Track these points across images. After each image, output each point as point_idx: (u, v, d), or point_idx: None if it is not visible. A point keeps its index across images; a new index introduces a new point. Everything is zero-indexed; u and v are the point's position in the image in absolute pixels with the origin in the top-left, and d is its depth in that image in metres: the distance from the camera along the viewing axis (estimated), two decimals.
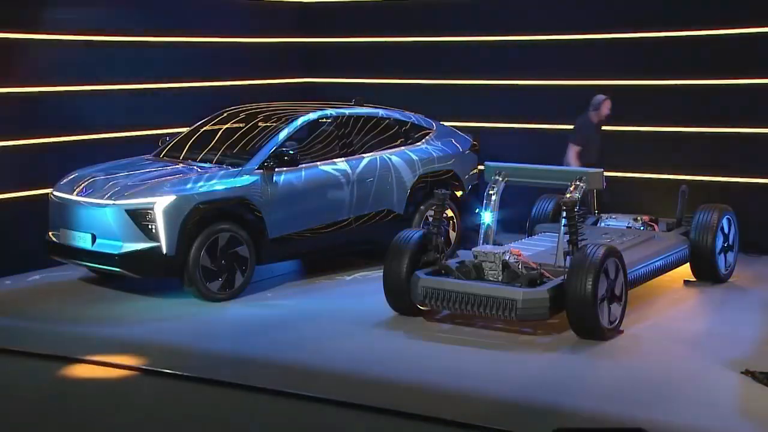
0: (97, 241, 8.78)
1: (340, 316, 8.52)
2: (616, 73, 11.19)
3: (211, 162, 9.42)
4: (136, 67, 11.03)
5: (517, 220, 10.28)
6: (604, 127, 10.65)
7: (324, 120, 10.04)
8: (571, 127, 10.70)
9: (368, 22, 12.80)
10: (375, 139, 10.25)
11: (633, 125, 11.22)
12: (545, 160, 9.69)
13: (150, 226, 8.61)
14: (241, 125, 9.94)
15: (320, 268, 10.12)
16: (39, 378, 7.14)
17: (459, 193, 10.66)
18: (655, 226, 9.77)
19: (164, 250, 8.60)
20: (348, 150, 9.96)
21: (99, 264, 9.00)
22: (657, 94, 11.10)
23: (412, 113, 10.82)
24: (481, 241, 8.59)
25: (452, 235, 10.45)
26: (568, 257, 7.89)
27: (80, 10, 10.48)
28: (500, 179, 8.80)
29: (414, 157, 10.41)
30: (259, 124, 9.88)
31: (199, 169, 9.24)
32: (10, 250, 9.74)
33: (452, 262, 8.34)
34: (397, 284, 8.26)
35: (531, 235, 9.70)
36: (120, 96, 10.85)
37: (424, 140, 10.63)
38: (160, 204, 8.61)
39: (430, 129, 10.81)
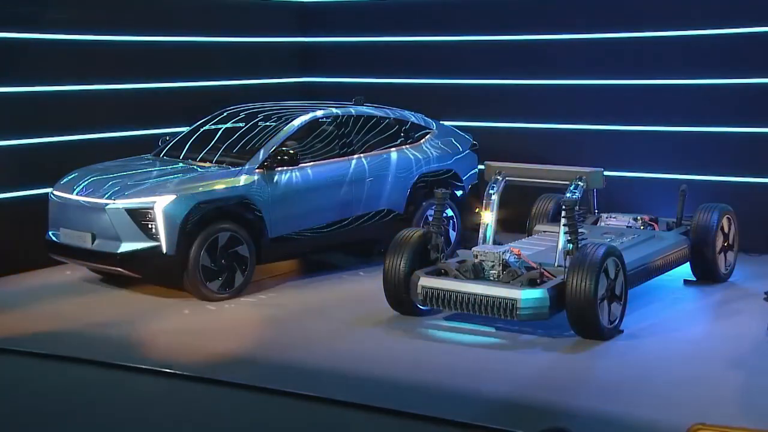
0: (97, 240, 8.78)
1: (339, 316, 8.51)
2: (616, 73, 11.19)
3: (211, 162, 9.42)
4: (136, 67, 11.03)
5: (517, 220, 10.27)
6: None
7: (324, 120, 10.04)
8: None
9: (368, 22, 12.79)
10: (375, 138, 10.25)
11: (633, 125, 11.22)
12: (545, 160, 9.69)
13: (150, 226, 8.61)
14: (241, 125, 9.95)
15: (320, 267, 10.13)
16: (39, 378, 7.14)
17: (459, 193, 10.67)
18: (655, 226, 9.76)
19: (164, 250, 8.60)
20: (348, 150, 9.96)
21: (99, 263, 9.01)
22: (657, 94, 11.09)
23: (412, 113, 10.82)
24: (481, 241, 8.59)
25: (452, 234, 10.45)
26: (568, 257, 7.89)
27: (80, 10, 10.47)
28: (500, 179, 8.80)
29: (414, 156, 10.42)
30: (259, 124, 9.88)
31: (199, 169, 9.25)
32: (10, 250, 9.74)
33: (452, 262, 8.34)
34: (397, 284, 8.25)
35: (531, 235, 9.70)
36: (120, 96, 10.84)
37: (424, 140, 10.63)
38: (160, 203, 8.61)
39: (430, 129, 10.81)
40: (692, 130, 10.91)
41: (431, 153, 10.58)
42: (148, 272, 8.87)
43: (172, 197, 8.67)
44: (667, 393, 6.66)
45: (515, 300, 7.59)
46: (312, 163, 9.65)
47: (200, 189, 8.85)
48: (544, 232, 9.53)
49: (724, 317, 8.72)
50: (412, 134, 10.60)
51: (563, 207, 8.11)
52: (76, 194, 8.98)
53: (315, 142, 9.91)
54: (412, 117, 10.75)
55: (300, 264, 10.38)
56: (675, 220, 9.83)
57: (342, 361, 7.34)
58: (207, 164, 9.39)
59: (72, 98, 10.39)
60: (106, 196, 8.77)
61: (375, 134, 10.27)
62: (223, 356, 7.47)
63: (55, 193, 9.21)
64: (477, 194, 10.52)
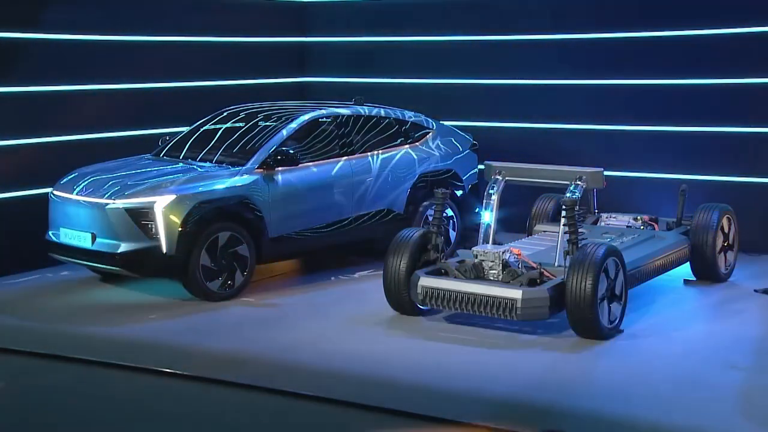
0: (97, 240, 8.78)
1: (340, 316, 8.51)
2: (616, 72, 11.20)
3: (211, 161, 9.43)
4: (136, 67, 11.03)
5: (517, 220, 10.28)
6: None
7: (324, 119, 10.04)
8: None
9: (368, 22, 12.78)
10: (375, 138, 10.25)
11: (633, 125, 11.22)
12: (545, 160, 9.69)
13: (150, 226, 8.61)
14: (241, 125, 9.95)
15: (320, 267, 10.13)
16: (39, 378, 7.14)
17: (459, 193, 10.67)
18: (655, 226, 9.77)
19: (164, 250, 8.60)
20: (348, 149, 9.96)
21: (99, 263, 9.00)
22: (657, 94, 11.09)
23: (412, 113, 10.83)
24: (481, 241, 8.59)
25: (452, 234, 10.46)
26: (568, 257, 7.89)
27: (79, 10, 10.47)
28: (500, 179, 8.81)
29: (414, 156, 10.42)
30: (259, 123, 9.88)
31: (199, 169, 9.25)
32: (10, 250, 9.75)
33: (452, 262, 8.35)
34: (397, 284, 8.26)
35: (531, 235, 9.70)
36: (120, 96, 10.85)
37: (424, 140, 10.64)
38: (160, 203, 8.61)
39: (430, 129, 10.81)
40: (692, 130, 10.91)
41: (431, 153, 10.58)
42: (148, 272, 8.87)
43: (172, 197, 8.67)
44: (667, 393, 6.66)
45: (515, 300, 7.59)
46: (312, 163, 9.65)
47: (200, 189, 8.85)
48: (544, 232, 9.54)
49: (724, 317, 8.72)
50: (412, 134, 10.60)
51: (563, 207, 8.11)
52: (76, 194, 8.98)
53: (315, 142, 9.91)
54: (412, 117, 10.75)
55: (300, 264, 10.38)
56: (675, 220, 9.83)
57: (342, 361, 7.34)
58: (207, 164, 9.39)
59: (72, 98, 10.39)
60: (106, 196, 8.77)
61: (375, 134, 10.27)
62: (223, 356, 7.47)
63: (55, 193, 9.21)
64: (477, 194, 10.53)
